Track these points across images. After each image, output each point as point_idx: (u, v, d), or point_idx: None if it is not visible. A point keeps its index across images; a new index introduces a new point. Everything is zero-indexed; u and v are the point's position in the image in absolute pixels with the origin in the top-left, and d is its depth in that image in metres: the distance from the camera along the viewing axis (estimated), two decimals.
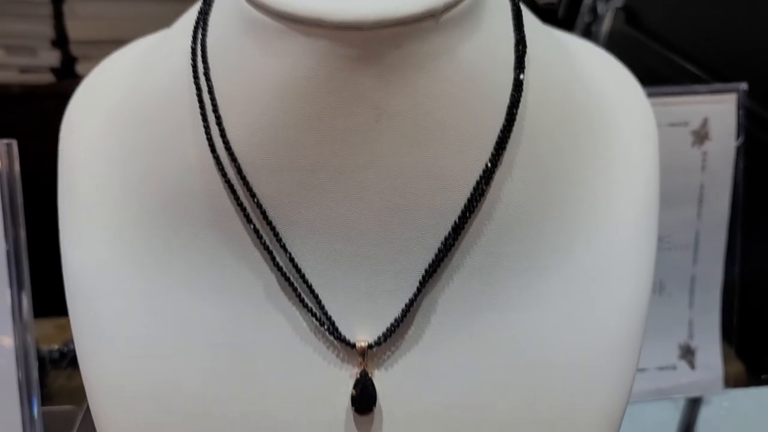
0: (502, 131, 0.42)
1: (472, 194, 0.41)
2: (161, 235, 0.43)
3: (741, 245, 0.84)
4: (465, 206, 0.41)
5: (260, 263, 0.43)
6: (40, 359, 0.90)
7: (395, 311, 0.42)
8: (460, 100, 0.41)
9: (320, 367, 0.43)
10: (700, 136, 0.79)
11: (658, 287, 0.83)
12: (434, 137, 0.41)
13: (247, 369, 0.43)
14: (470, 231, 0.42)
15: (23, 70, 1.47)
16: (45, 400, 0.86)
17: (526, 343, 0.43)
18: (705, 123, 0.79)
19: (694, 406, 0.86)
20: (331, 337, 0.43)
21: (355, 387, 0.42)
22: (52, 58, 1.33)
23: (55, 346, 0.91)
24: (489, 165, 0.41)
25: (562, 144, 0.44)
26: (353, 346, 0.42)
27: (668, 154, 0.81)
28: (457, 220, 0.41)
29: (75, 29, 1.32)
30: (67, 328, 0.45)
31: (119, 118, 0.45)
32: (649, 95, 0.78)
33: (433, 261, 0.42)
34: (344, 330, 0.43)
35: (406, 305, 0.42)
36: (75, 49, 1.32)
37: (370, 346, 0.42)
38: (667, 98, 0.78)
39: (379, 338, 0.42)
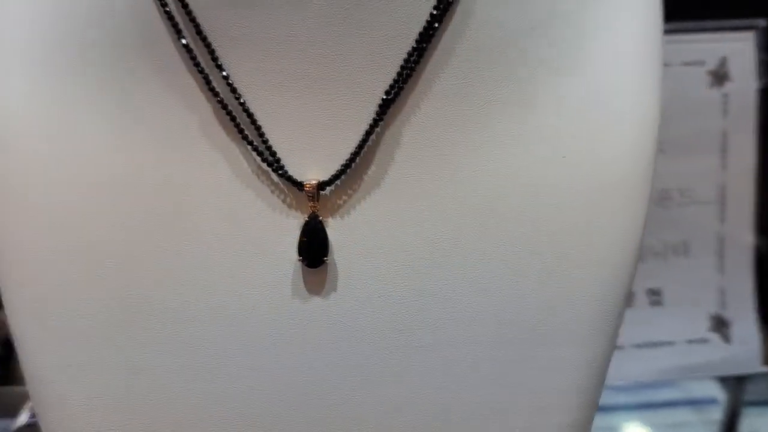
0: None
1: (438, 1, 0.35)
2: (91, 69, 0.37)
3: None
4: (431, 14, 0.35)
5: (195, 93, 0.36)
6: None
7: (353, 145, 0.36)
8: None
9: (264, 213, 0.36)
10: (719, 76, 0.73)
11: (682, 249, 0.75)
12: None
13: (180, 217, 0.36)
14: (439, 47, 0.36)
15: None
16: None
17: (508, 187, 0.36)
18: (723, 62, 0.73)
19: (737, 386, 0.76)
20: (277, 178, 0.36)
21: (302, 235, 0.35)
22: None
23: None
24: None
25: None
26: (301, 186, 0.36)
27: (683, 96, 0.75)
28: (422, 31, 0.35)
29: None
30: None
31: None
32: None
33: (394, 82, 0.35)
34: (293, 169, 0.36)
35: (363, 136, 0.36)
36: None
37: (321, 186, 0.35)
38: (678, 35, 0.72)
39: (331, 177, 0.36)
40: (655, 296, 0.75)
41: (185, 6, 0.35)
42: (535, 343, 0.35)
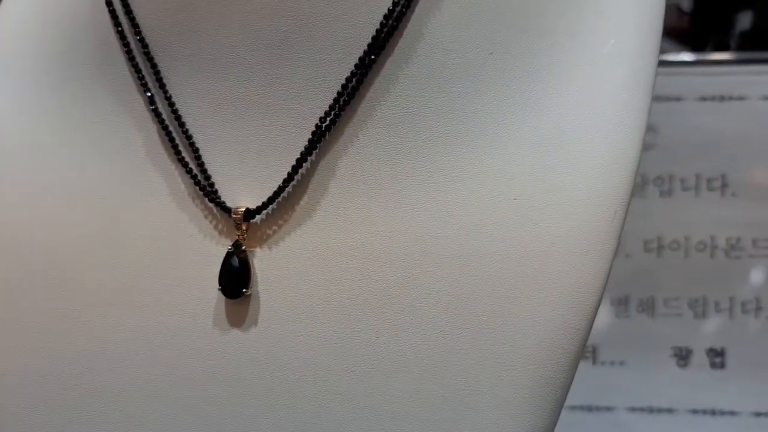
0: None
1: (383, 23, 0.33)
2: (54, 84, 0.38)
3: None
4: (373, 38, 0.33)
5: (143, 113, 0.36)
6: None
7: (285, 174, 0.34)
8: None
9: (194, 238, 0.35)
10: None
11: (753, 306, 0.66)
12: None
13: (115, 235, 0.36)
14: (382, 73, 0.33)
15: None
16: None
17: (447, 228, 0.32)
18: None
19: None
20: (211, 203, 0.35)
21: (223, 263, 0.34)
22: None
23: None
24: None
25: None
26: (230, 212, 0.34)
27: (762, 133, 0.66)
28: (363, 56, 0.33)
29: None
30: None
31: None
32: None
33: (330, 108, 0.33)
34: (226, 194, 0.34)
35: (294, 165, 0.34)
36: None
37: (249, 214, 0.34)
38: (755, 66, 0.64)
39: (258, 206, 0.34)
40: (717, 357, 0.66)
41: (136, 26, 0.36)
42: (461, 405, 0.32)
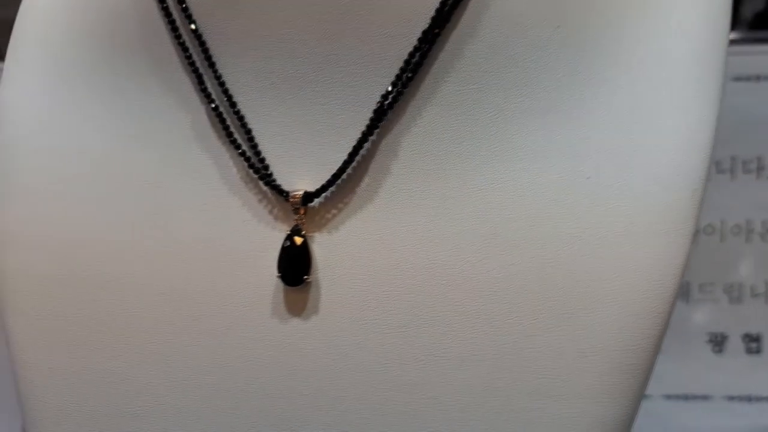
0: None
1: None
2: (94, 65, 0.36)
3: None
4: (437, 11, 0.31)
5: (190, 93, 0.35)
6: None
7: (345, 154, 0.32)
8: None
9: (249, 224, 0.33)
10: None
11: None
12: None
13: (163, 222, 0.34)
14: (447, 48, 0.32)
15: None
16: None
17: (518, 209, 0.31)
18: None
19: None
20: (266, 187, 0.34)
21: (282, 250, 0.32)
22: None
23: None
24: None
25: None
26: (288, 196, 0.33)
27: None
28: (426, 29, 0.31)
29: None
30: None
31: None
32: None
33: (392, 86, 0.31)
34: (282, 177, 0.33)
35: (355, 145, 0.32)
36: None
37: (307, 198, 0.32)
38: None
39: (318, 188, 0.32)
40: (753, 343, 0.65)
41: (182, 2, 0.34)
42: (535, 394, 0.30)
